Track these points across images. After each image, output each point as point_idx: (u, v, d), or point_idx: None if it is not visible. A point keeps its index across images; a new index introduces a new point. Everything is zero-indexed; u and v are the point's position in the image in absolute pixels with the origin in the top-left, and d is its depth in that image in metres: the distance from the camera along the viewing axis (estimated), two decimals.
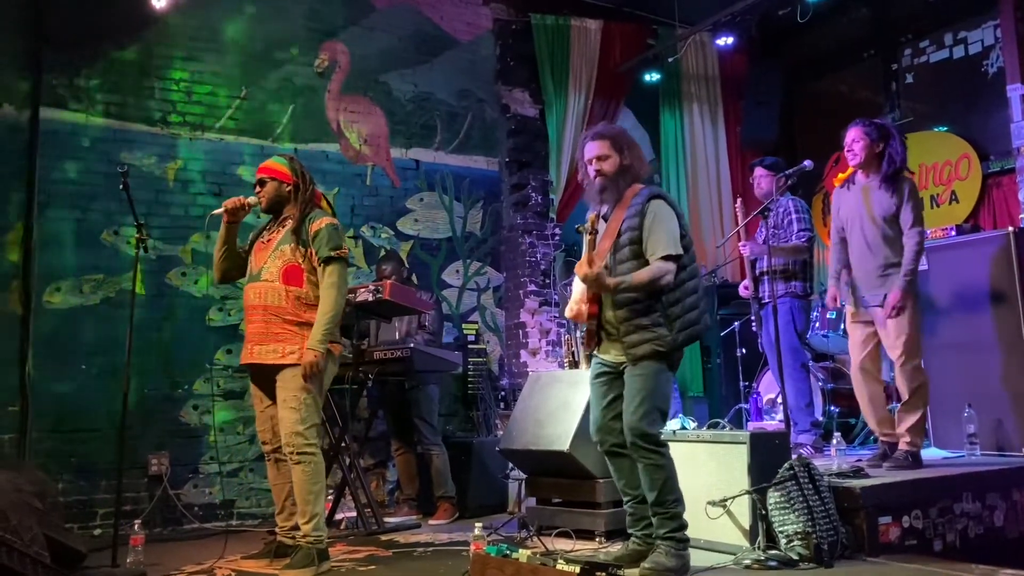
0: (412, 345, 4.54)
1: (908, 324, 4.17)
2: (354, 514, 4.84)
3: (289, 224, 3.80)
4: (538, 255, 6.43)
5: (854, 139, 4.37)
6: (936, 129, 6.64)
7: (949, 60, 6.63)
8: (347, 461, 4.81)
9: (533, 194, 6.50)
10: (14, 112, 4.95)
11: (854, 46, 7.26)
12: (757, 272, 5.27)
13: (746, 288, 5.29)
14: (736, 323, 6.36)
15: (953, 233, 5.01)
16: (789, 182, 4.86)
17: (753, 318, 5.38)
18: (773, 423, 5.65)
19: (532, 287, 6.40)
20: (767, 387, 6.02)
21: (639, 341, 3.30)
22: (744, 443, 3.74)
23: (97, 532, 4.76)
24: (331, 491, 4.72)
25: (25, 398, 4.75)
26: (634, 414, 3.28)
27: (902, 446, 4.25)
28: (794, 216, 5.12)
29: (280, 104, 5.76)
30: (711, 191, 7.43)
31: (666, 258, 3.28)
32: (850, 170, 4.54)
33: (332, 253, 3.73)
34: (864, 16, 7.23)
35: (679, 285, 3.34)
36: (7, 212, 4.87)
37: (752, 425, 5.78)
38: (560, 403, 4.27)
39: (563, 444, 4.08)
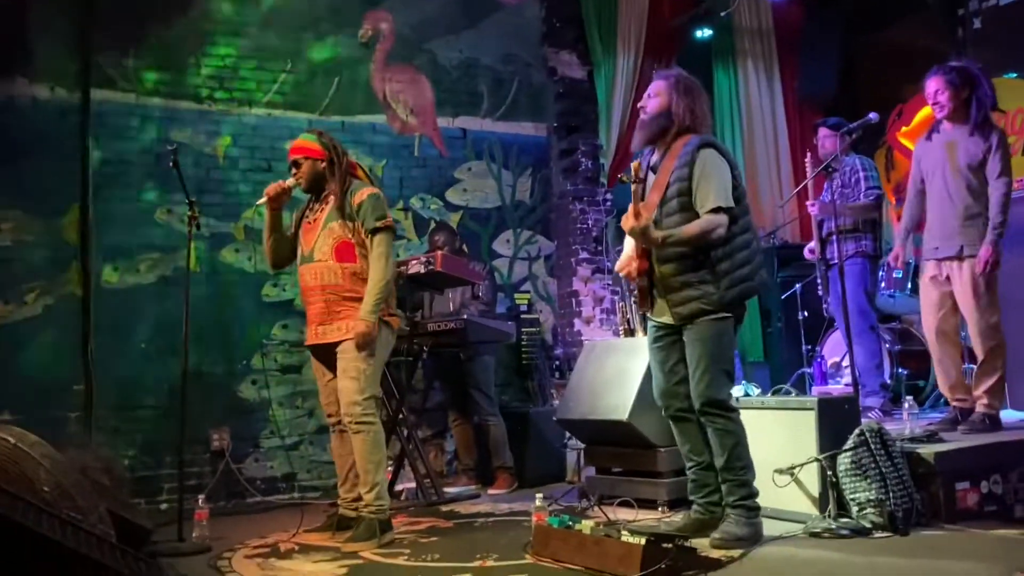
0: (466, 316, 4.49)
1: (987, 283, 3.96)
2: (414, 485, 4.84)
3: (332, 201, 3.76)
4: (589, 222, 6.30)
5: (938, 89, 4.10)
6: (1008, 76, 6.29)
7: (1020, 3, 6.26)
8: (405, 433, 4.81)
9: (583, 159, 6.36)
10: (65, 94, 4.99)
11: None
12: (824, 233, 5.09)
13: (811, 251, 5.11)
14: (798, 285, 6.17)
15: None
16: (854, 136, 4.65)
17: (820, 281, 5.22)
18: (839, 387, 5.48)
19: (584, 255, 6.28)
20: (831, 350, 5.84)
21: (684, 299, 3.18)
22: (812, 409, 3.61)
23: (163, 507, 4.84)
24: (391, 463, 4.72)
25: (89, 377, 4.83)
26: (700, 382, 3.18)
27: (980, 408, 4.07)
28: (862, 174, 4.92)
29: (326, 77, 5.71)
30: (768, 150, 7.19)
31: (716, 210, 3.13)
32: (917, 120, 4.32)
33: (378, 224, 3.68)
34: None
35: (730, 239, 3.19)
36: (63, 194, 4.93)
37: (817, 390, 5.62)
38: (617, 371, 4.18)
39: (622, 413, 4.00)
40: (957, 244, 4.03)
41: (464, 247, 5.45)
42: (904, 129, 6.91)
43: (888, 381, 5.43)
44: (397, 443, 4.85)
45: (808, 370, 5.97)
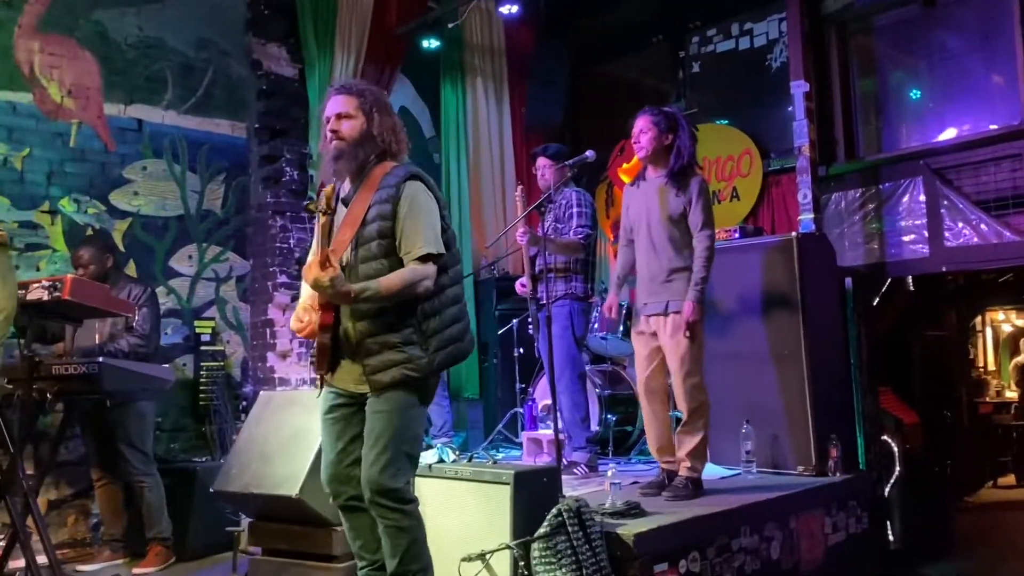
0: (101, 360, 3.53)
1: (691, 338, 3.75)
2: (44, 559, 3.77)
3: None
4: (292, 240, 5.50)
5: (641, 129, 3.90)
6: (719, 122, 6.44)
7: (735, 51, 6.43)
8: (18, 500, 3.73)
9: (288, 168, 5.56)
10: None
11: (643, 30, 6.90)
12: (536, 270, 4.75)
13: (523, 286, 4.74)
14: (515, 320, 5.84)
15: (737, 235, 4.71)
16: (570, 173, 4.34)
17: (531, 320, 4.87)
18: (548, 432, 5.17)
19: (283, 278, 5.46)
20: (543, 393, 5.52)
21: (385, 364, 2.58)
22: (507, 483, 3.15)
23: None
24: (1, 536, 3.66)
25: None
26: (374, 464, 2.56)
27: (682, 471, 3.86)
28: (575, 210, 4.62)
29: None
30: (494, 176, 6.84)
31: (425, 258, 2.58)
32: (635, 161, 4.07)
33: None
34: None
35: (439, 292, 2.66)
36: None
37: (526, 435, 5.27)
38: (292, 433, 3.47)
39: (292, 488, 3.29)
40: (663, 300, 3.80)
41: (116, 265, 4.42)
42: (625, 166, 6.86)
43: (597, 429, 5.20)
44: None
45: (521, 410, 5.65)
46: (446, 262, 2.68)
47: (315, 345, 2.71)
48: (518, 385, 5.78)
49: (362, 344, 2.61)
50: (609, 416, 5.31)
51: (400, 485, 2.56)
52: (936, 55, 5.59)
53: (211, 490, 3.68)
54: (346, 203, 2.72)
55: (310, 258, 2.48)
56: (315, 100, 5.75)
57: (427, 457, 3.48)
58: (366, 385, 2.62)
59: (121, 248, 4.88)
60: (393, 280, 2.55)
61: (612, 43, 6.96)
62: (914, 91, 5.83)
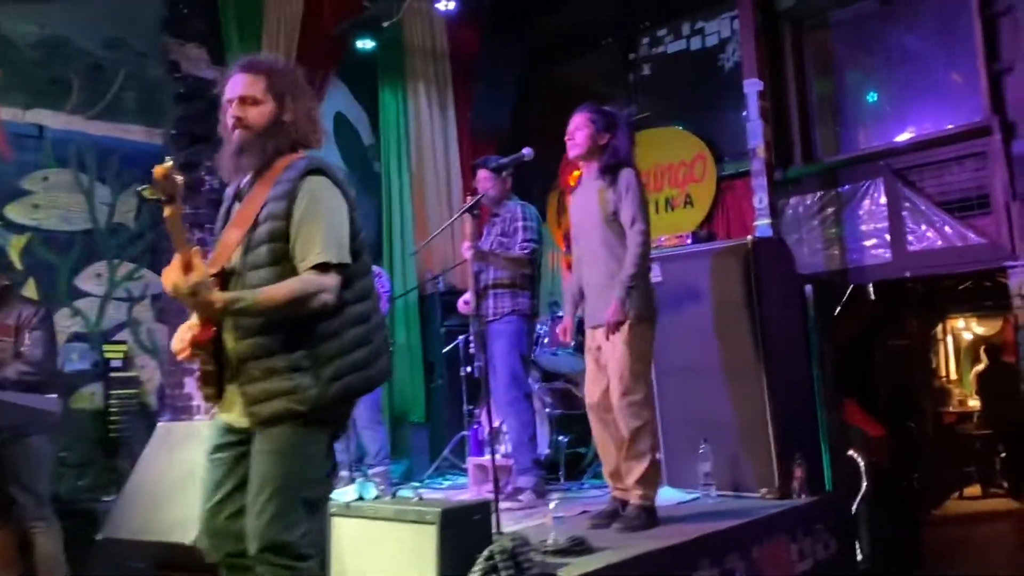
0: None
1: (629, 348, 3.41)
2: None
3: None
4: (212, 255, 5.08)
5: (577, 126, 3.61)
6: (672, 126, 6.16)
7: (686, 52, 6.17)
8: None
9: (208, 177, 5.14)
10: None
11: (593, 31, 6.60)
12: (481, 286, 4.41)
13: (466, 303, 4.40)
14: (461, 338, 5.47)
15: (689, 241, 4.40)
16: (505, 174, 4.01)
17: (473, 338, 4.53)
18: (497, 458, 4.79)
19: None
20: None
21: (266, 394, 2.18)
22: (433, 523, 2.77)
23: None
24: None
25: None
26: (261, 513, 2.15)
27: (633, 500, 3.50)
28: (520, 224, 4.32)
29: None
30: (439, 185, 6.48)
31: (323, 268, 2.19)
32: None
33: None
34: None
35: (341, 309, 2.24)
36: None
37: (472, 461, 4.90)
38: (188, 471, 3.05)
39: (185, 534, 2.87)
40: (603, 309, 3.46)
41: (7, 285, 3.97)
42: (576, 173, 6.57)
43: (545, 453, 4.85)
44: None
45: (468, 434, 5.27)
46: (352, 273, 2.27)
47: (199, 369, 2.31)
48: (465, 407, 5.41)
49: (243, 368, 2.20)
50: (561, 438, 4.96)
51: (293, 538, 2.16)
52: (895, 52, 5.37)
53: (97, 537, 3.24)
54: (240, 198, 2.34)
55: (174, 260, 2.07)
56: None
57: (346, 494, 3.09)
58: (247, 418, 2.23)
59: (18, 266, 4.43)
60: (277, 292, 2.14)
61: (562, 45, 6.65)
62: (872, 93, 5.61)
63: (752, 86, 5.19)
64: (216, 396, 2.29)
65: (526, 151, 3.73)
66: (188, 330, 2.25)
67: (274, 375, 2.18)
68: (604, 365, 3.52)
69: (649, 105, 6.31)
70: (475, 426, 5.06)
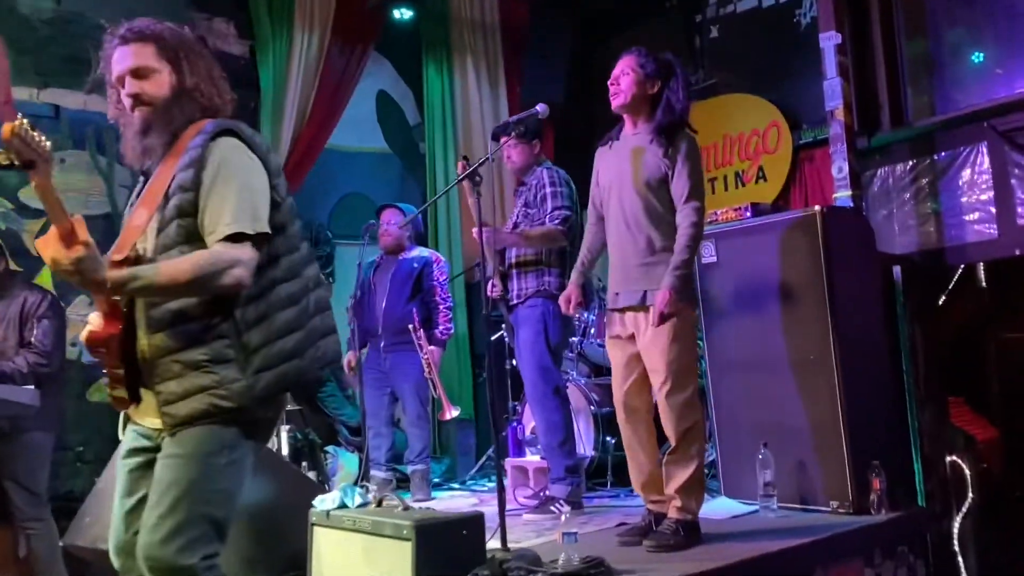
0: None
1: (676, 340, 2.90)
2: None
3: None
4: None
5: (623, 71, 3.08)
6: (742, 93, 5.54)
7: (758, 9, 5.54)
8: None
9: None
10: None
11: None
12: (506, 264, 3.97)
13: (494, 287, 3.96)
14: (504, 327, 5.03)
15: (748, 214, 3.81)
16: (512, 133, 3.53)
17: (505, 325, 4.10)
18: (536, 460, 4.34)
19: None
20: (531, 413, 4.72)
21: (184, 391, 1.81)
22: (409, 540, 2.35)
23: None
24: None
25: None
26: (156, 528, 1.78)
27: (672, 513, 2.98)
28: (548, 191, 3.83)
29: None
30: (490, 166, 6.02)
31: (235, 239, 1.81)
32: None
33: None
34: None
35: (268, 289, 1.88)
36: None
37: (510, 463, 4.46)
38: None
39: None
40: (639, 289, 2.96)
41: (8, 271, 3.78)
42: None
43: (590, 455, 4.36)
44: None
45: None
46: (278, 248, 1.91)
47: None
48: (511, 403, 4.99)
49: (157, 365, 1.83)
50: (608, 438, 4.45)
51: (192, 561, 1.75)
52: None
53: (60, 544, 2.95)
54: (148, 175, 1.97)
55: (50, 230, 1.71)
56: (267, 82, 5.07)
57: (327, 502, 2.70)
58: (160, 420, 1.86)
59: (34, 252, 4.24)
60: (180, 267, 1.76)
61: (619, 11, 6.13)
62: (977, 53, 4.85)
63: (829, 39, 4.53)
64: (129, 400, 1.92)
65: (540, 107, 3.27)
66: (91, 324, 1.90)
67: (193, 369, 1.81)
68: (633, 356, 3.02)
69: (717, 71, 5.71)
70: (513, 423, 4.61)
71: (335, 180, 5.66)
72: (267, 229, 1.86)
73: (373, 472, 4.52)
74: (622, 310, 3.03)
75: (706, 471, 3.23)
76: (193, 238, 1.84)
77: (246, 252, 1.81)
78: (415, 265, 4.66)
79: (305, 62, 5.17)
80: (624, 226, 3.02)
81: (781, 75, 5.38)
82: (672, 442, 2.97)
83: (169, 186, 1.86)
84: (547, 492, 3.80)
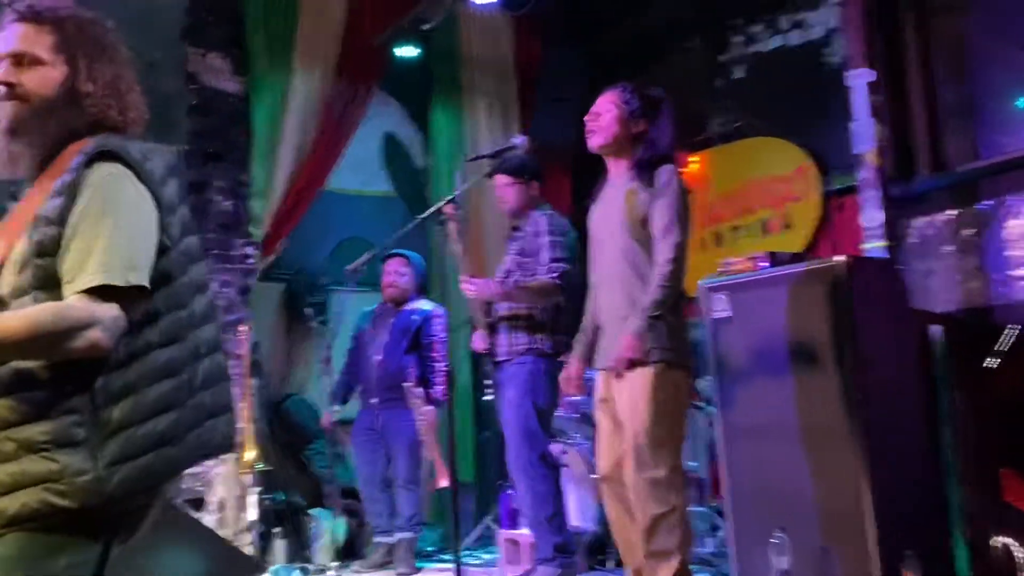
0: None
1: (649, 403, 2.50)
2: None
3: None
4: (216, 284, 4.53)
5: (604, 107, 2.80)
6: (768, 137, 5.18)
7: (785, 48, 5.20)
8: None
9: (219, 198, 4.62)
10: None
11: (675, 33, 5.76)
12: (494, 317, 3.62)
13: (481, 340, 3.61)
14: None
15: (766, 264, 3.42)
16: (528, 178, 3.28)
17: (489, 383, 3.74)
18: (527, 535, 3.92)
19: None
20: None
21: (13, 481, 1.39)
22: None
23: None
24: None
25: None
26: None
27: None
28: (547, 240, 3.50)
29: None
30: (497, 211, 5.74)
31: (99, 292, 1.43)
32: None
33: None
34: None
35: (138, 355, 1.48)
36: None
37: (502, 535, 4.04)
38: None
39: None
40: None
41: None
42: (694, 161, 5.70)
43: (585, 531, 3.93)
44: None
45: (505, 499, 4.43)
46: (158, 304, 1.51)
47: None
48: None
49: None
50: None
51: None
52: None
53: None
54: (15, 197, 1.65)
55: None
56: (263, 121, 4.85)
57: None
58: None
59: None
60: (14, 323, 1.38)
61: (637, 51, 5.84)
62: (1021, 98, 4.45)
63: (859, 77, 4.18)
64: None
65: (518, 139, 2.98)
66: None
67: (28, 453, 1.41)
68: (621, 423, 2.63)
69: (742, 112, 5.36)
70: (507, 491, 4.22)
71: (334, 223, 5.40)
72: (145, 282, 1.46)
73: (377, 539, 4.29)
74: (607, 372, 2.65)
75: (715, 552, 2.81)
76: (51, 284, 1.45)
77: (109, 311, 1.41)
78: (414, 318, 4.39)
79: (304, 100, 4.96)
80: (610, 276, 2.69)
81: (810, 117, 5.01)
82: (642, 531, 2.54)
83: (36, 218, 1.54)
84: (536, 572, 3.38)
